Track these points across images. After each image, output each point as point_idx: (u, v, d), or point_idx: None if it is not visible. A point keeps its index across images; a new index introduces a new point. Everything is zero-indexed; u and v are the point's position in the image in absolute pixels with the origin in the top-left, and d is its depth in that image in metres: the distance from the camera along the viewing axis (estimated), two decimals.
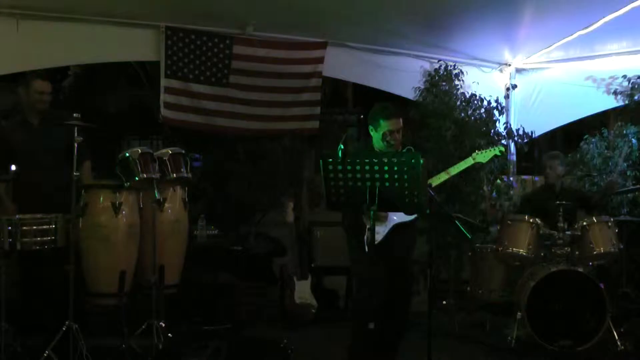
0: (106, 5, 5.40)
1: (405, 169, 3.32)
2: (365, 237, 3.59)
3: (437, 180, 4.46)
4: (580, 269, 4.97)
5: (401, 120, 4.07)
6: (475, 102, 6.64)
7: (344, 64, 6.52)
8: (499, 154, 4.79)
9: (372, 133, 4.12)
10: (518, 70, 7.03)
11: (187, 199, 4.82)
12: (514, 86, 6.96)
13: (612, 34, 5.94)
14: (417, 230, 4.32)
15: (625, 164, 6.41)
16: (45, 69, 5.24)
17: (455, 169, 4.58)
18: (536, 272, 5.04)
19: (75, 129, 4.13)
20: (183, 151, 4.61)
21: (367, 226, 3.40)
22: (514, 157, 7.00)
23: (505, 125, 6.79)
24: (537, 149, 7.54)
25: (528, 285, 4.92)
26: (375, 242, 3.78)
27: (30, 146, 4.62)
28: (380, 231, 3.94)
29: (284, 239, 6.38)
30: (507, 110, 6.97)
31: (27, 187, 4.58)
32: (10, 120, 4.90)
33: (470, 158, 4.67)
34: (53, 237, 4.11)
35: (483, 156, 4.67)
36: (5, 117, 5.02)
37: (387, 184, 3.35)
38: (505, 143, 6.70)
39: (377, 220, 3.55)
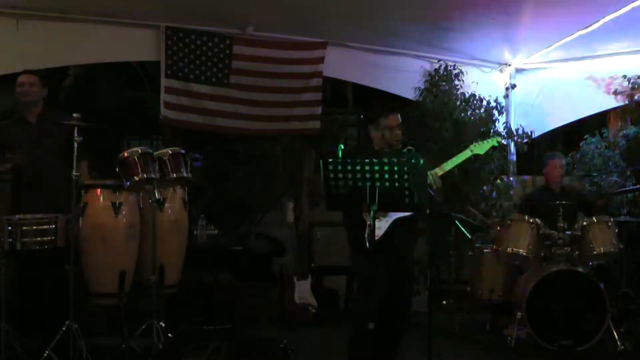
0: (106, 5, 5.41)
1: (405, 169, 3.32)
2: (367, 234, 3.59)
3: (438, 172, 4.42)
4: (580, 269, 4.98)
5: (399, 116, 4.06)
6: (475, 102, 6.64)
7: (344, 64, 6.52)
8: (496, 144, 4.76)
9: (372, 132, 4.11)
10: (518, 70, 7.03)
11: (187, 199, 4.82)
12: (513, 86, 6.95)
13: (612, 34, 5.93)
14: (417, 226, 4.32)
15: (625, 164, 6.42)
16: (45, 69, 5.24)
17: (451, 163, 4.52)
18: (536, 272, 5.04)
19: (76, 128, 4.13)
20: (183, 151, 4.61)
21: (368, 223, 3.39)
22: (514, 157, 6.99)
23: (504, 125, 6.78)
24: (537, 149, 7.56)
25: (528, 285, 4.92)
26: (377, 238, 3.79)
27: (27, 144, 4.59)
28: (382, 226, 3.95)
29: (284, 239, 6.38)
30: (507, 110, 6.97)
31: (25, 185, 4.57)
32: (10, 119, 4.90)
33: (467, 150, 4.63)
34: (53, 237, 4.10)
35: (480, 148, 4.62)
36: (7, 117, 5.02)
37: (387, 184, 3.35)
38: (505, 142, 6.69)
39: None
